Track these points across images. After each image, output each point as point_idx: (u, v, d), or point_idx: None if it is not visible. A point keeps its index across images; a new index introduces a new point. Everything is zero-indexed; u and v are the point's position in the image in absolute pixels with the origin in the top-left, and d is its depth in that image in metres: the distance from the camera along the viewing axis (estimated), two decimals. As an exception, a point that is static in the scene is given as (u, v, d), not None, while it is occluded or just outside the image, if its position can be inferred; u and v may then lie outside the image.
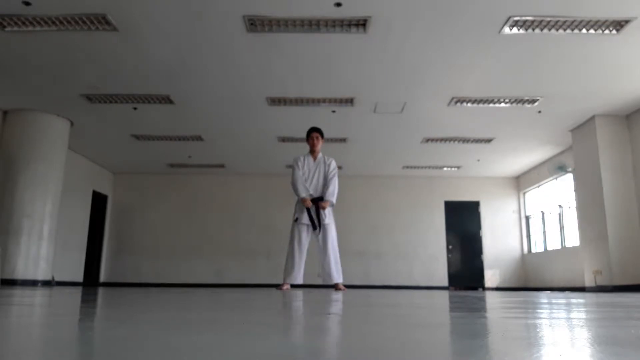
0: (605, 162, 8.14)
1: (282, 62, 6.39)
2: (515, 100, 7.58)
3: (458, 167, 11.57)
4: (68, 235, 9.94)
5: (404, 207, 12.29)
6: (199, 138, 9.60)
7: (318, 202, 5.39)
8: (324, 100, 7.63)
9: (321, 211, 5.36)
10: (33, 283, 7.77)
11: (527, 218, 12.23)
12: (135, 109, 8.02)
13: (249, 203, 12.25)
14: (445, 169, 11.68)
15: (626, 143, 8.21)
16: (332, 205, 5.45)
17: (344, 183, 11.23)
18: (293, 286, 6.38)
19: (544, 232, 11.36)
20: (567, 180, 10.11)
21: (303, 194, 5.35)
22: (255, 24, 5.42)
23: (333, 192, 5.39)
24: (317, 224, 5.32)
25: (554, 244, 10.93)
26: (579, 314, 1.69)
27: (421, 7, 5.11)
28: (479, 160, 10.94)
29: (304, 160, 5.51)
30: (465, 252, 12.27)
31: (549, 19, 5.26)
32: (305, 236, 5.38)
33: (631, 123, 8.19)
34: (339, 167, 11.23)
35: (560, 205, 10.54)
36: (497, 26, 5.45)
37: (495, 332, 1.04)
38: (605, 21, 5.34)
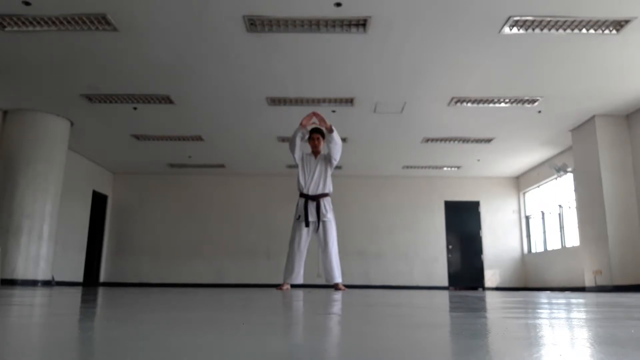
0: (605, 162, 8.14)
1: (282, 62, 6.39)
2: (515, 100, 7.58)
3: (458, 167, 11.57)
4: (68, 235, 9.94)
5: (404, 207, 12.29)
6: (199, 138, 9.60)
7: (319, 198, 5.37)
8: (324, 100, 7.63)
9: (321, 207, 5.35)
10: (33, 283, 7.77)
11: (527, 218, 12.23)
12: (135, 109, 8.02)
13: (249, 203, 12.25)
14: (445, 169, 11.68)
15: (626, 143, 8.21)
16: (334, 133, 5.27)
17: (344, 183, 11.34)
18: (293, 286, 6.37)
19: (544, 232, 11.36)
20: (567, 180, 10.11)
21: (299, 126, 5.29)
22: (255, 24, 5.42)
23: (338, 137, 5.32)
24: (309, 221, 5.30)
25: (554, 244, 10.93)
26: (579, 314, 1.69)
27: (421, 7, 5.11)
28: (479, 160, 10.94)
29: (305, 156, 5.50)
30: (465, 252, 12.27)
31: (549, 19, 5.26)
32: (306, 235, 5.37)
33: (631, 123, 8.19)
34: (339, 167, 11.25)
35: (560, 205, 10.54)
36: (497, 26, 5.45)
37: (495, 332, 1.04)
38: (605, 21, 5.34)
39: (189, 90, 7.29)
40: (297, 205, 5.46)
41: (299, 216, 5.39)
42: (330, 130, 5.25)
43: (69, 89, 7.28)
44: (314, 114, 5.35)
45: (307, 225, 5.32)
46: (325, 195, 5.42)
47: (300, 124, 5.30)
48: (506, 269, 12.17)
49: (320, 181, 5.41)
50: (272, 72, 6.66)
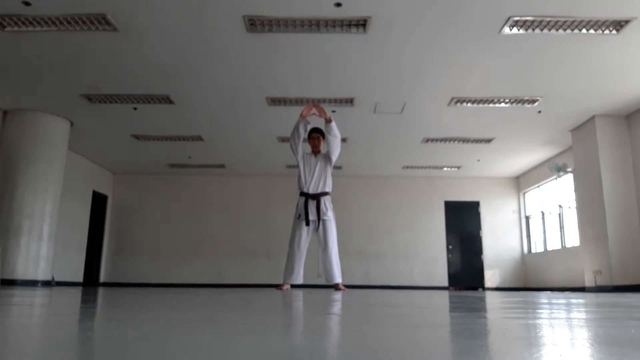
0: (605, 162, 8.14)
1: (282, 62, 6.39)
2: (515, 100, 7.58)
3: (458, 167, 11.57)
4: (68, 235, 9.94)
5: (404, 207, 12.29)
6: (199, 138, 9.60)
7: (319, 197, 5.37)
8: (324, 100, 7.63)
9: (321, 206, 5.34)
10: (33, 283, 7.77)
11: (527, 218, 12.23)
12: (135, 109, 8.02)
13: (249, 203, 12.25)
14: (445, 169, 11.68)
15: (626, 143, 8.21)
16: (333, 123, 5.26)
17: (344, 183, 11.34)
18: (293, 286, 6.37)
19: (544, 232, 11.36)
20: (567, 180, 10.11)
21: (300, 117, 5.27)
22: (255, 24, 5.42)
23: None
24: (309, 220, 5.29)
25: (554, 244, 10.93)
26: (579, 314, 1.69)
27: (421, 7, 5.11)
28: (479, 160, 10.94)
29: (305, 155, 5.50)
30: (465, 252, 12.26)
31: (549, 19, 5.26)
32: (306, 235, 5.37)
33: (631, 123, 8.19)
34: (339, 167, 11.26)
35: (560, 205, 10.54)
36: (497, 26, 5.45)
37: (495, 332, 1.04)
38: (605, 21, 5.33)
39: (189, 90, 7.29)
40: (297, 204, 5.46)
41: (299, 215, 5.39)
42: (329, 121, 5.26)
43: (69, 89, 7.28)
44: (314, 105, 5.35)
45: (307, 224, 5.32)
46: (325, 193, 5.42)
47: (301, 115, 5.29)
48: (506, 269, 12.17)
49: (320, 180, 5.41)
50: (272, 72, 6.66)
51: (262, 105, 7.86)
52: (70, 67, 6.57)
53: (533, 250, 11.96)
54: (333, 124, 5.28)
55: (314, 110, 5.32)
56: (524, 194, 12.37)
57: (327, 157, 5.41)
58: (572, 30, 5.47)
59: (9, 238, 7.69)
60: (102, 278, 11.95)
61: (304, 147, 5.47)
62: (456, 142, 9.67)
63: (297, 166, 5.51)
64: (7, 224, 7.74)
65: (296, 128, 5.30)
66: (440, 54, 6.13)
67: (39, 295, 3.05)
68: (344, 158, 10.55)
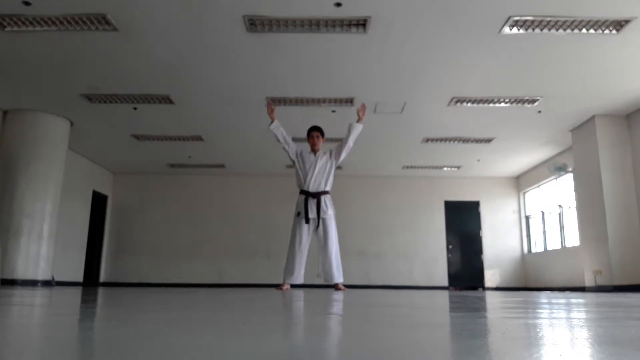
0: (605, 162, 8.14)
1: (282, 62, 6.39)
2: (515, 100, 7.58)
3: (458, 167, 11.57)
4: (68, 235, 9.94)
5: (404, 207, 12.29)
6: (199, 138, 9.60)
7: (319, 196, 5.37)
8: (324, 100, 7.63)
9: (322, 204, 5.34)
10: (33, 283, 7.77)
11: (527, 218, 12.23)
12: (135, 109, 8.02)
13: (249, 203, 12.25)
14: (445, 169, 11.68)
15: (626, 143, 8.21)
16: (361, 124, 5.46)
17: (344, 183, 11.34)
18: (293, 286, 6.37)
19: (544, 232, 11.36)
20: (567, 180, 10.11)
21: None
22: (255, 24, 5.42)
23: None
24: (309, 218, 5.30)
25: (554, 244, 10.93)
26: (579, 314, 1.69)
27: (421, 7, 5.11)
28: (479, 160, 10.94)
29: (304, 153, 5.50)
30: (465, 252, 12.26)
31: (549, 19, 5.26)
32: (306, 234, 5.36)
33: (631, 123, 8.19)
34: (339, 167, 11.24)
35: (560, 205, 10.54)
36: (497, 26, 5.45)
37: (495, 332, 1.04)
38: (605, 21, 5.34)
39: (189, 90, 7.29)
40: (297, 202, 5.47)
41: (299, 212, 5.38)
42: (361, 121, 5.50)
43: (69, 89, 7.28)
44: (269, 103, 5.57)
45: (307, 221, 5.31)
46: (325, 192, 5.42)
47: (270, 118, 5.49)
48: (506, 269, 12.17)
49: (321, 178, 5.41)
50: (272, 72, 6.66)
51: (262, 105, 7.84)
52: (70, 67, 6.57)
53: (533, 250, 11.96)
54: (361, 127, 5.46)
55: (272, 106, 5.52)
56: (524, 193, 12.37)
57: (333, 155, 5.43)
58: (572, 30, 5.47)
59: (9, 238, 7.69)
60: (102, 278, 11.95)
61: (302, 146, 5.49)
62: (456, 142, 9.67)
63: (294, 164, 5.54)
64: (7, 224, 7.74)
65: (274, 134, 5.49)
66: (440, 54, 6.13)
67: (39, 295, 3.05)
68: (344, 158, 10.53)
